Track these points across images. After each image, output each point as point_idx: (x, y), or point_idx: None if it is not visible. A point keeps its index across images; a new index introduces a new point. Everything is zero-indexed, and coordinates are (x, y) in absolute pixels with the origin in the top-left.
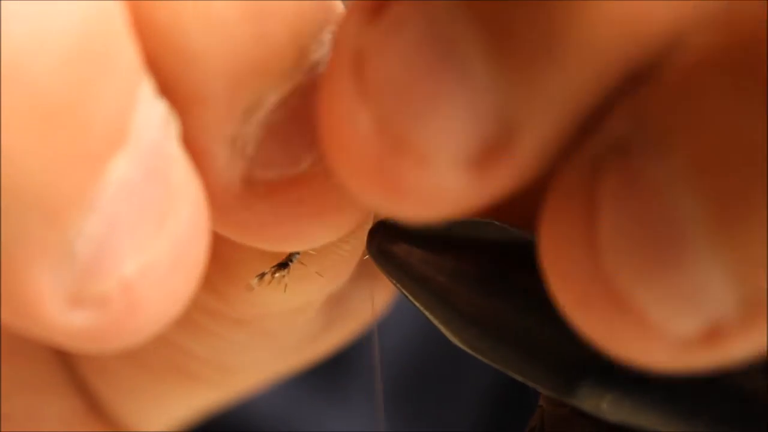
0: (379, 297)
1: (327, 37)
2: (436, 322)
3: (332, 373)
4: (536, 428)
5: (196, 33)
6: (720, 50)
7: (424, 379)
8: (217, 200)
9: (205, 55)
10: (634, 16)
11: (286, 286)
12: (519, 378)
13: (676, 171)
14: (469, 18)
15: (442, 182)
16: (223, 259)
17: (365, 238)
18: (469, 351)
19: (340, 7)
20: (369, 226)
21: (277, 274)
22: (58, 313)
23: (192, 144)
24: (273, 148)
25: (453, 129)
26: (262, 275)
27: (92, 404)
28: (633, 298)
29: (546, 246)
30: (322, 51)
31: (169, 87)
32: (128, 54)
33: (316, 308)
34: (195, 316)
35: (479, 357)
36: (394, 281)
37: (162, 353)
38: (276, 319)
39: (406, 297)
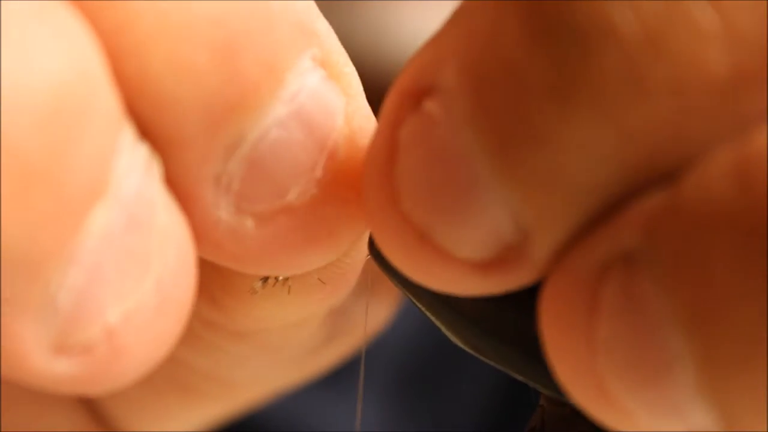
0: (380, 310)
1: (307, 63)
2: (437, 322)
3: (340, 366)
4: (537, 428)
5: (167, 80)
6: (732, 210)
7: (426, 377)
8: (207, 237)
9: (179, 101)
10: (635, 141)
11: (290, 288)
12: (520, 378)
13: (674, 309)
14: (476, 134)
15: (459, 276)
16: (222, 271)
17: (365, 249)
18: (470, 351)
19: (322, 29)
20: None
21: (280, 278)
22: (43, 361)
23: (177, 183)
24: (258, 182)
25: (470, 232)
26: (265, 279)
27: (96, 416)
28: (622, 402)
29: (547, 323)
30: (301, 79)
31: (148, 131)
32: (108, 105)
33: (317, 322)
34: (196, 329)
35: (480, 357)
36: (396, 282)
37: (163, 367)
38: (277, 332)
39: (408, 298)
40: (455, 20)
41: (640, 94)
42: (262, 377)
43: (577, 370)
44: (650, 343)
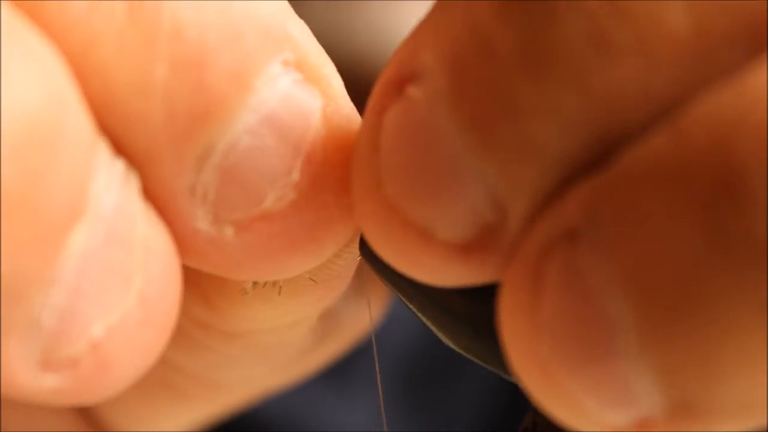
0: (372, 311)
1: (277, 68)
2: (429, 323)
3: (340, 365)
4: (528, 429)
5: (131, 98)
6: (668, 165)
7: (427, 377)
8: (188, 247)
9: (144, 117)
10: (589, 119)
11: (280, 289)
12: (510, 379)
13: (613, 275)
14: (452, 111)
15: (441, 261)
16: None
17: (357, 251)
18: (462, 352)
19: (295, 32)
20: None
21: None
22: (31, 377)
23: (155, 196)
24: (233, 190)
25: (450, 210)
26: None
27: (85, 416)
28: (567, 386)
29: (501, 310)
30: (271, 85)
31: (121, 147)
32: (81, 127)
33: (309, 324)
34: (188, 330)
35: (471, 358)
36: (388, 283)
37: (152, 368)
38: (269, 334)
39: (400, 299)
40: (432, 11)
41: (605, 57)
42: (251, 379)
43: (524, 356)
44: (591, 315)
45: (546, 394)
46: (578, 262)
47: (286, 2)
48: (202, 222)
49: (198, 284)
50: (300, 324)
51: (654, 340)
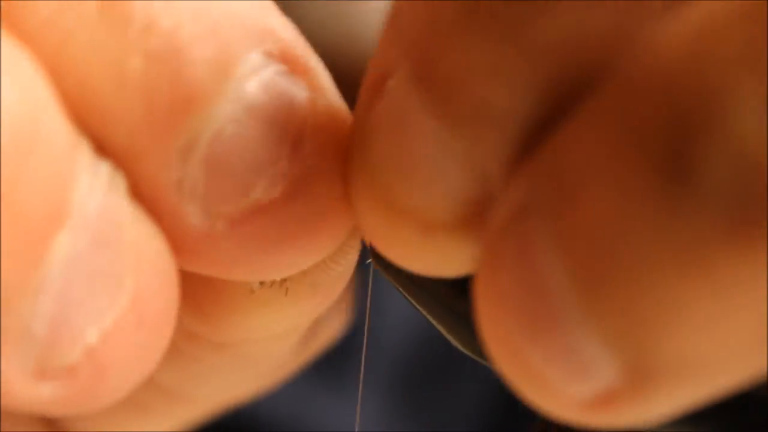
0: (337, 319)
1: (257, 58)
2: (438, 325)
3: (338, 365)
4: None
5: (107, 92)
6: (592, 129)
7: (427, 376)
8: (182, 246)
9: (122, 111)
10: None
11: (287, 290)
12: None
13: (551, 241)
14: (419, 93)
15: (441, 245)
16: (210, 280)
17: (354, 255)
18: (469, 353)
19: (277, 25)
20: (355, 246)
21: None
22: (27, 387)
23: (144, 195)
24: (221, 181)
25: (438, 192)
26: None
27: (51, 424)
28: (530, 359)
29: (475, 297)
30: (253, 74)
31: (104, 146)
32: (59, 130)
33: (300, 333)
34: (174, 340)
35: (479, 359)
36: (398, 286)
37: None
38: (259, 344)
39: (409, 301)
40: (389, 12)
41: (534, 8)
42: (224, 391)
43: (493, 337)
44: (536, 283)
45: (516, 373)
46: (528, 233)
47: (270, 1)
48: (193, 217)
49: (190, 293)
50: (291, 333)
51: (592, 301)
